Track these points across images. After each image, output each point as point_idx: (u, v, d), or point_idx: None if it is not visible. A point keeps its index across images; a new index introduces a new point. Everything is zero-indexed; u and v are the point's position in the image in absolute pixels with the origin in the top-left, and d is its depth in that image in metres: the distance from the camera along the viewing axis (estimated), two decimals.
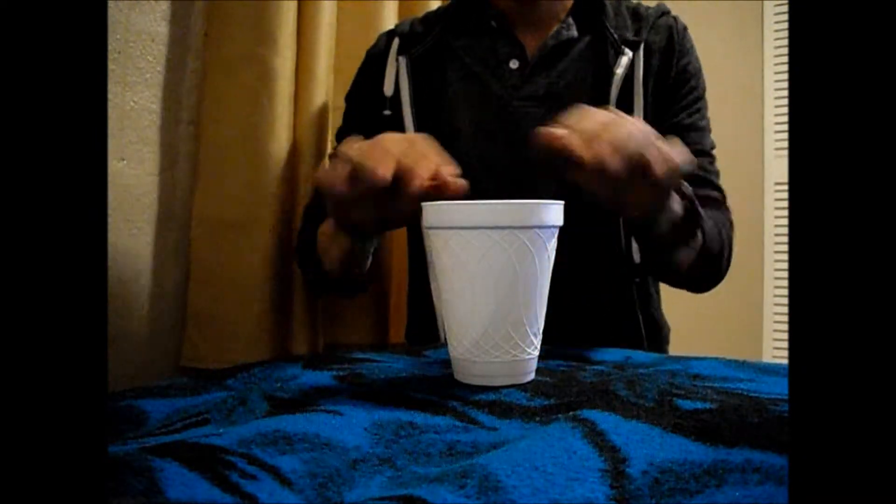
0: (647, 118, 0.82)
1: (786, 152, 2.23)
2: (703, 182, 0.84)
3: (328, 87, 0.95)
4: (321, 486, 0.34)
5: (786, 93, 2.16)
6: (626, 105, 0.81)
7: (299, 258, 0.89)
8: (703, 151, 0.85)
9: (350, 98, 0.93)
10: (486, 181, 0.55)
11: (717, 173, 0.88)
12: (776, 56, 2.39)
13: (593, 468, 0.33)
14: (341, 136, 0.91)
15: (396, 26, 0.92)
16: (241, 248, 0.86)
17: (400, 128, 0.86)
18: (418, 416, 0.43)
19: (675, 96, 0.85)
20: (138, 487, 0.30)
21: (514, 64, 0.85)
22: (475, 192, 0.54)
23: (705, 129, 0.87)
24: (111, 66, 0.78)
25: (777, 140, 2.39)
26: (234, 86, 0.86)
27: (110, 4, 0.78)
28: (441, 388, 0.50)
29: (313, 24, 0.96)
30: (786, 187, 2.23)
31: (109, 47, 0.78)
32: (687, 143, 0.82)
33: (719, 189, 0.87)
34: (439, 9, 0.93)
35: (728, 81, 2.42)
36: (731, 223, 0.87)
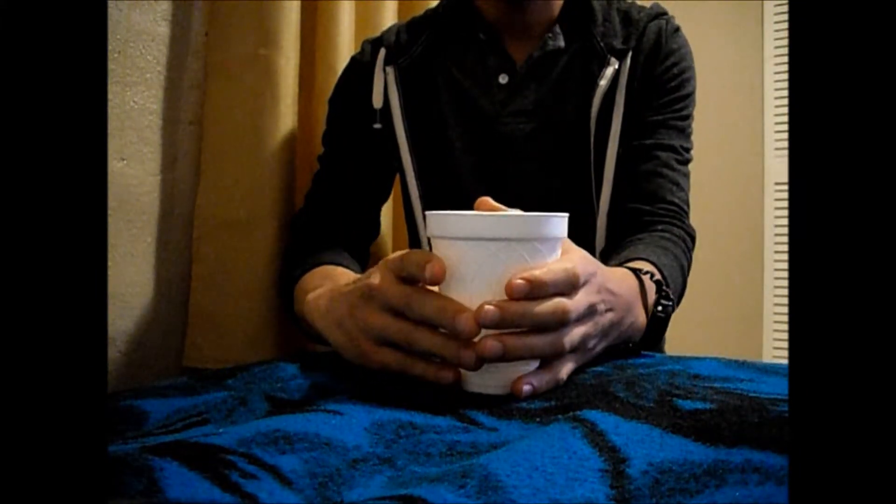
0: (626, 130, 0.81)
1: (786, 152, 2.23)
2: (661, 185, 0.81)
3: (331, 87, 0.95)
4: (321, 485, 0.34)
5: (786, 93, 2.16)
6: (606, 117, 0.81)
7: (280, 285, 0.85)
8: (669, 147, 0.82)
9: (334, 103, 0.91)
10: (478, 195, 0.55)
11: (683, 174, 0.83)
12: (776, 56, 2.39)
13: (593, 468, 0.33)
14: (327, 140, 0.90)
15: (381, 35, 0.90)
16: (243, 248, 0.86)
17: (391, 140, 0.85)
18: (418, 416, 0.43)
19: (652, 96, 0.83)
20: (138, 487, 0.30)
21: (503, 79, 0.84)
22: (469, 206, 0.53)
23: (678, 129, 0.83)
24: (111, 66, 0.79)
25: (777, 140, 2.39)
26: (236, 86, 0.86)
27: (110, 4, 0.78)
28: (441, 389, 0.50)
29: (316, 25, 0.96)
30: (786, 187, 2.23)
31: (109, 47, 0.78)
32: (653, 139, 0.82)
33: (682, 196, 0.82)
34: (426, 12, 0.91)
35: (728, 81, 2.43)
36: (690, 238, 0.82)
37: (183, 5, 0.86)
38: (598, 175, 0.81)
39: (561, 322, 0.48)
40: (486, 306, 0.46)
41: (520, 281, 0.46)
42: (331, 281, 0.68)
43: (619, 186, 0.81)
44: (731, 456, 0.33)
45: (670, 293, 0.65)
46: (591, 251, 0.82)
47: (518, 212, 0.54)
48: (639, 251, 0.72)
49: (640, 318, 0.61)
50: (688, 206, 0.84)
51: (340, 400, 0.46)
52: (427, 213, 0.51)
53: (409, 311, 0.50)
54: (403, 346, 0.51)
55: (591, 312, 0.52)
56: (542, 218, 0.48)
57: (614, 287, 0.56)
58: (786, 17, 2.36)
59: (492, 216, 0.48)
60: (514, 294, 0.46)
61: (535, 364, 0.50)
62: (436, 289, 0.50)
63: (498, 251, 0.47)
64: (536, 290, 0.47)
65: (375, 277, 0.52)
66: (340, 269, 0.74)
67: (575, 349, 0.51)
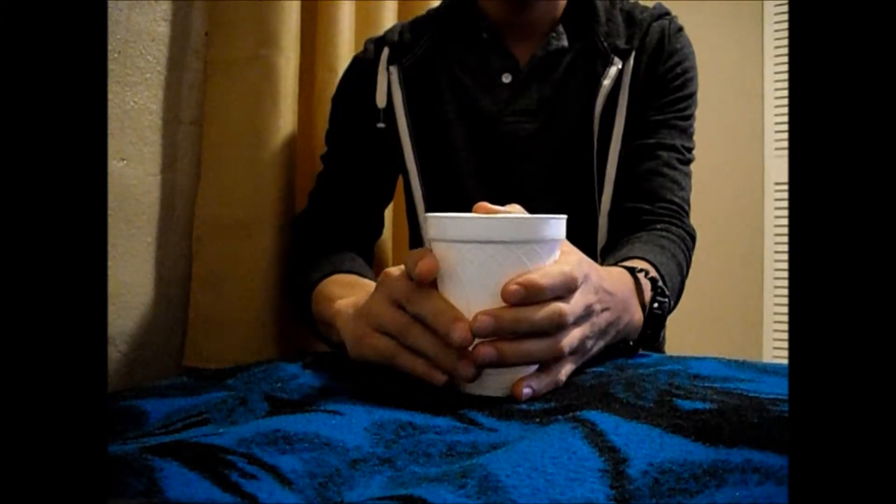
0: (629, 130, 0.81)
1: (786, 152, 2.23)
2: (662, 184, 0.81)
3: (331, 87, 0.95)
4: (321, 485, 0.34)
5: (786, 93, 2.15)
6: (609, 117, 0.81)
7: (291, 286, 0.85)
8: (670, 146, 0.82)
9: (337, 102, 0.91)
10: (481, 195, 0.55)
11: (684, 174, 0.84)
12: (776, 56, 2.39)
13: (593, 468, 0.33)
14: (330, 139, 0.90)
15: (385, 34, 0.90)
16: (243, 248, 0.86)
17: (394, 140, 0.85)
18: (418, 416, 0.43)
19: (655, 95, 0.83)
20: (138, 487, 0.30)
21: (506, 78, 0.84)
22: (472, 206, 0.54)
23: (680, 129, 0.83)
24: (111, 66, 0.79)
25: (777, 140, 2.39)
26: (236, 86, 0.86)
27: (110, 4, 0.78)
28: (441, 389, 0.50)
29: (316, 25, 0.96)
30: (786, 187, 2.23)
31: (109, 47, 0.78)
32: (655, 138, 0.82)
33: (682, 195, 0.83)
34: (429, 11, 0.91)
35: (728, 81, 2.43)
36: (690, 237, 0.82)
37: (183, 5, 0.86)
38: (601, 175, 0.81)
39: (558, 326, 0.48)
40: (481, 316, 0.46)
41: (515, 286, 0.46)
42: (360, 290, 0.67)
43: (621, 186, 0.81)
44: (731, 456, 0.33)
45: (666, 290, 0.65)
46: (593, 251, 0.83)
47: (518, 208, 0.54)
48: (635, 250, 0.72)
49: (637, 316, 0.61)
50: (689, 205, 0.84)
51: (340, 400, 0.46)
52: (426, 215, 0.52)
53: (408, 306, 0.50)
54: (399, 338, 0.51)
55: (587, 313, 0.52)
56: (539, 220, 0.48)
57: (609, 286, 0.56)
58: (786, 17, 2.36)
59: (489, 219, 0.48)
60: (509, 299, 0.46)
61: (533, 366, 0.50)
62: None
63: (495, 254, 0.47)
64: (532, 295, 0.47)
65: (395, 270, 0.53)
66: (366, 281, 0.74)
67: (574, 351, 0.51)
